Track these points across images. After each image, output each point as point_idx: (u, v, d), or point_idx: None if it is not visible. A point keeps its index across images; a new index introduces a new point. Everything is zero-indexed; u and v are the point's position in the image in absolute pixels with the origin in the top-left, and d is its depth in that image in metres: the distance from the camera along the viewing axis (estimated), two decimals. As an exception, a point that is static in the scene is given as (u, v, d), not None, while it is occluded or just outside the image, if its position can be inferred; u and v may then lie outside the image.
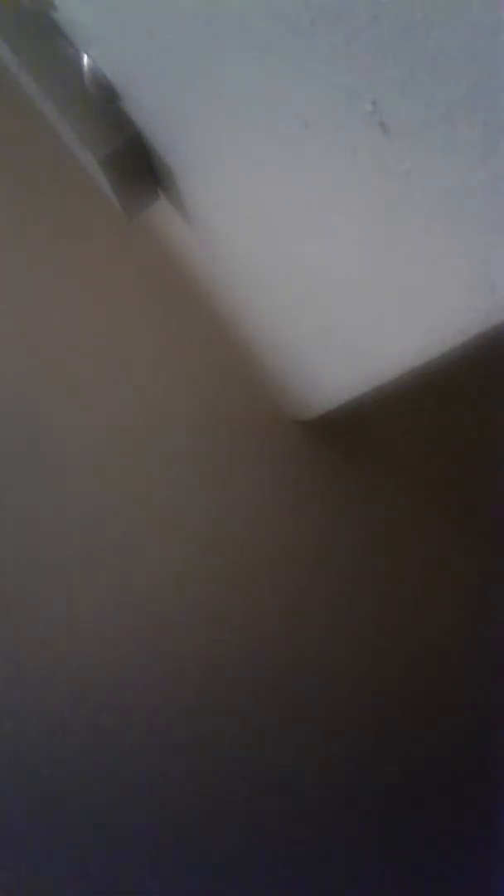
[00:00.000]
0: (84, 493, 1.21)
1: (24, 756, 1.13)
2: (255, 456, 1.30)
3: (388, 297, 0.54)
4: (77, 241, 1.28)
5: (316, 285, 0.66)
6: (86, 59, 0.69)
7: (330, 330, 0.74)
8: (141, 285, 1.30)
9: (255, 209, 0.63)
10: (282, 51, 0.39)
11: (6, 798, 1.12)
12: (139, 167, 0.75)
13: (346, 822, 1.29)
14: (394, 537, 1.36)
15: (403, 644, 1.35)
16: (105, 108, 0.71)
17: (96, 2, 0.59)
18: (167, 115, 0.63)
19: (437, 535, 1.40)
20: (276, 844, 1.24)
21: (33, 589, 1.17)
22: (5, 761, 1.12)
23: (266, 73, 0.42)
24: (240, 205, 0.66)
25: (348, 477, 1.35)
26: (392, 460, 1.39)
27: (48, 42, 0.72)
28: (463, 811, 1.35)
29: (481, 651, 1.40)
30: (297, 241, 0.60)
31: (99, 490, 1.22)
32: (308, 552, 1.31)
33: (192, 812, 1.20)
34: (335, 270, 0.59)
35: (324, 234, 0.54)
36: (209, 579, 1.24)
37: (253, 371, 1.29)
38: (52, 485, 1.20)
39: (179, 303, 1.29)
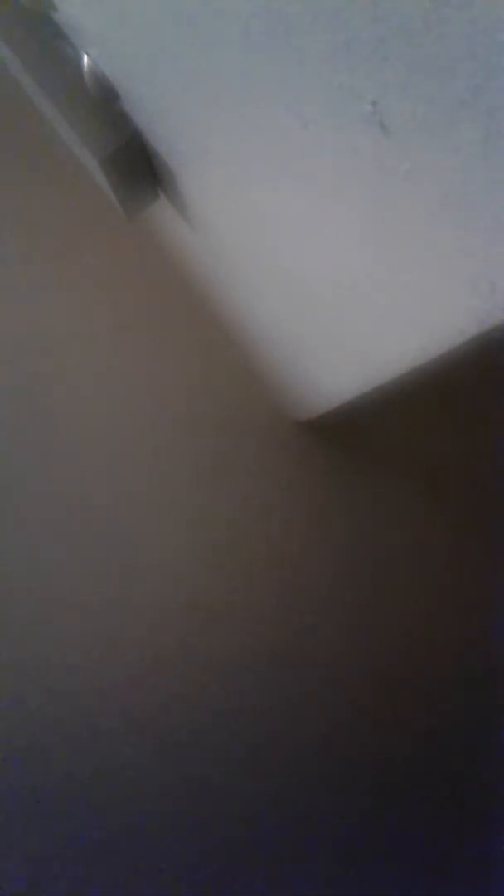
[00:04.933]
0: (84, 491, 1.21)
1: (16, 753, 1.13)
2: (255, 456, 1.30)
3: (387, 297, 0.54)
4: (77, 241, 1.28)
5: (316, 285, 0.66)
6: (86, 59, 0.69)
7: (330, 330, 0.74)
8: (141, 285, 1.30)
9: (254, 209, 0.63)
10: (282, 51, 0.39)
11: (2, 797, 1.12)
12: (139, 167, 0.75)
13: (346, 823, 1.29)
14: (394, 537, 1.36)
15: (404, 642, 1.35)
16: (105, 108, 0.71)
17: (96, 2, 0.59)
18: (167, 115, 0.63)
19: (438, 535, 1.40)
20: (274, 844, 1.24)
21: (32, 587, 1.16)
22: None
23: (266, 72, 0.42)
24: (240, 205, 0.66)
25: (348, 477, 1.35)
26: (392, 460, 1.39)
27: (48, 42, 0.72)
28: (464, 816, 1.35)
29: (483, 650, 1.39)
30: (297, 241, 0.60)
31: (99, 489, 1.22)
32: (308, 551, 1.31)
33: (187, 813, 1.19)
34: (335, 270, 0.59)
35: (323, 234, 0.54)
36: (209, 578, 1.24)
37: (253, 371, 1.29)
38: (52, 483, 1.20)
39: (179, 303, 1.29)
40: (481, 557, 1.42)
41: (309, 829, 1.26)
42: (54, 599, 1.17)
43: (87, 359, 1.25)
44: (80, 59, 0.70)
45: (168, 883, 1.17)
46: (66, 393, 1.23)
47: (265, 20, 0.38)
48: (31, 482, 1.19)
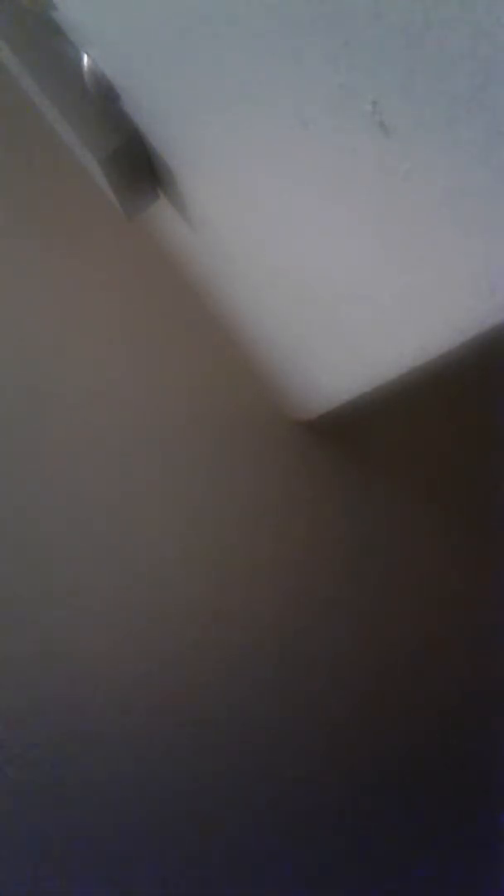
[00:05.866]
0: (84, 492, 1.21)
1: (15, 754, 1.13)
2: (255, 456, 1.30)
3: (387, 297, 0.54)
4: (77, 242, 1.28)
5: (316, 285, 0.66)
6: (86, 59, 0.69)
7: (330, 330, 0.74)
8: (141, 285, 1.29)
9: (254, 209, 0.63)
10: (282, 51, 0.39)
11: None
12: (139, 167, 0.75)
13: (347, 824, 1.29)
14: (393, 536, 1.36)
15: (405, 642, 1.35)
16: (105, 108, 0.71)
17: (96, 2, 0.59)
18: (167, 115, 0.63)
19: (437, 534, 1.40)
20: (271, 840, 1.24)
21: (30, 588, 1.16)
22: None
23: (266, 72, 0.42)
24: (240, 205, 0.66)
25: (348, 477, 1.35)
26: (391, 460, 1.39)
27: (48, 42, 0.72)
28: (466, 816, 1.35)
29: (483, 650, 1.39)
30: (296, 241, 0.60)
31: (97, 489, 1.22)
32: (307, 552, 1.31)
33: (187, 814, 1.19)
34: (335, 271, 0.59)
35: (323, 234, 0.54)
36: (208, 579, 1.24)
37: (253, 371, 1.29)
38: (50, 484, 1.20)
39: (179, 303, 1.29)
40: (482, 557, 1.42)
41: (309, 829, 1.26)
42: (52, 600, 1.17)
43: (87, 359, 1.25)
44: (80, 59, 0.70)
45: (168, 883, 1.17)
46: (64, 393, 1.23)
47: (265, 20, 0.38)
48: (28, 483, 1.19)
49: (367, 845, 1.29)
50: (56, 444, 1.21)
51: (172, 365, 1.29)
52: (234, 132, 0.53)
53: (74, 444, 1.22)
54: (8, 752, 1.12)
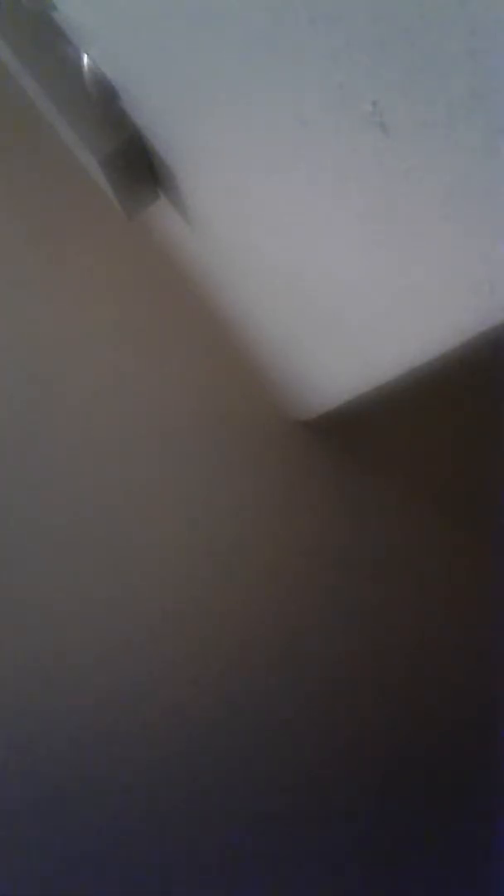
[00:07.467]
0: (84, 492, 1.21)
1: (14, 756, 1.13)
2: (255, 456, 1.30)
3: (387, 296, 0.54)
4: (77, 242, 1.28)
5: (315, 285, 0.66)
6: (86, 59, 0.69)
7: (330, 330, 0.74)
8: (141, 285, 1.29)
9: (255, 209, 0.63)
10: (282, 50, 0.39)
11: None
12: (139, 167, 0.75)
13: (346, 826, 1.29)
14: (393, 536, 1.36)
15: (405, 642, 1.35)
16: (105, 108, 0.71)
17: (96, 2, 0.59)
18: (167, 115, 0.63)
19: (437, 534, 1.40)
20: (271, 840, 1.24)
21: (29, 589, 1.16)
22: None
23: (266, 72, 0.42)
24: (240, 204, 0.66)
25: (348, 477, 1.35)
26: (392, 460, 1.39)
27: (48, 42, 0.72)
28: (465, 818, 1.35)
29: (484, 650, 1.39)
30: (296, 241, 0.60)
31: (99, 490, 1.22)
32: (307, 552, 1.31)
33: (186, 817, 1.19)
34: (335, 270, 0.59)
35: (323, 234, 0.54)
36: (208, 579, 1.24)
37: (253, 371, 1.29)
38: (49, 484, 1.20)
39: (179, 303, 1.29)
40: (482, 557, 1.42)
41: (309, 829, 1.26)
42: (50, 601, 1.17)
43: (86, 359, 1.25)
44: (80, 59, 0.70)
45: (167, 883, 1.17)
46: (64, 393, 1.23)
47: (265, 20, 0.38)
48: (29, 482, 1.19)
49: (367, 845, 1.30)
50: (56, 443, 1.21)
51: (172, 364, 1.29)
52: (233, 132, 0.53)
53: (74, 443, 1.22)
54: (8, 754, 1.13)
